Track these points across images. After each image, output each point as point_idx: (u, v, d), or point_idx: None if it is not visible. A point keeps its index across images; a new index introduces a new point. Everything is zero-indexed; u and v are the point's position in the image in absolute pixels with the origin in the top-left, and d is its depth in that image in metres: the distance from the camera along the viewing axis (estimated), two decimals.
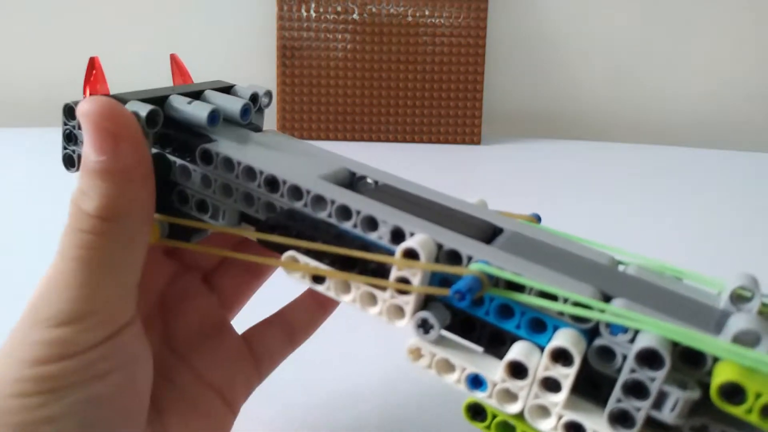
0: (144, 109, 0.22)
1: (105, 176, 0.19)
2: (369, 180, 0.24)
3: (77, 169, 0.26)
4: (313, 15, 0.76)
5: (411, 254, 0.19)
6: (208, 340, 0.27)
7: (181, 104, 0.23)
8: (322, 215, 0.21)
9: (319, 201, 0.21)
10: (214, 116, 0.23)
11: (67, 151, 0.26)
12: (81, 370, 0.19)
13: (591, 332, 0.18)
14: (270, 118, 0.81)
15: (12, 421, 0.18)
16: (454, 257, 0.20)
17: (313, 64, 0.76)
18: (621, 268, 0.21)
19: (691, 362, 0.17)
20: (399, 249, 0.19)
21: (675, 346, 0.17)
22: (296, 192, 0.22)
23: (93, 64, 0.25)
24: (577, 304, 0.18)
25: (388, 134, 0.78)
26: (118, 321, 0.20)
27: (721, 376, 0.15)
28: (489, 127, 0.84)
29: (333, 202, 0.21)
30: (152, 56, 0.82)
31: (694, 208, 0.65)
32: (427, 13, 0.76)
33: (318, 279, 0.21)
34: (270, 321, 0.31)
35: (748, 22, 0.84)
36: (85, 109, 0.19)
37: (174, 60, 0.29)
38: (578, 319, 0.18)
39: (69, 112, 0.24)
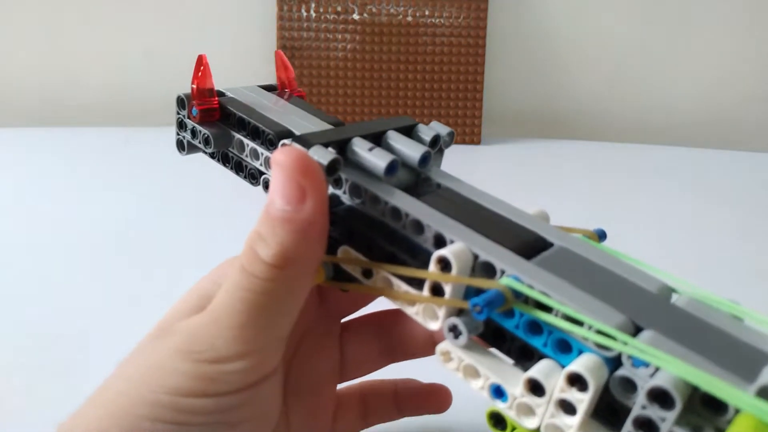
0: (326, 158, 0.22)
1: (287, 226, 0.19)
2: (433, 180, 0.24)
3: (187, 153, 0.27)
4: (313, 15, 0.76)
5: (445, 263, 0.19)
6: (312, 396, 0.27)
7: (362, 149, 0.23)
8: (377, 213, 0.22)
9: (375, 201, 0.22)
10: (393, 167, 0.23)
11: (179, 136, 0.27)
12: (217, 412, 0.19)
13: (615, 361, 0.18)
14: None
15: None
16: (488, 269, 0.20)
17: (313, 64, 0.76)
18: (674, 297, 0.20)
19: (712, 407, 0.16)
20: (434, 257, 0.20)
21: (696, 388, 0.16)
22: (357, 190, 0.23)
23: (201, 61, 0.26)
24: (601, 332, 0.17)
25: None
26: (265, 369, 0.20)
27: (737, 428, 0.15)
28: (489, 127, 0.84)
29: (386, 203, 0.22)
30: (152, 56, 0.82)
31: (693, 208, 0.65)
32: (427, 13, 0.76)
33: (366, 273, 0.22)
34: (383, 388, 0.30)
35: (748, 22, 0.84)
36: (280, 159, 0.20)
37: (279, 56, 0.29)
38: (602, 347, 0.18)
39: (180, 102, 0.26)
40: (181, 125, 0.26)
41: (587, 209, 0.62)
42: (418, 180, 0.24)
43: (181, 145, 0.27)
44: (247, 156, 0.25)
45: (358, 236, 0.22)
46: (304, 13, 0.75)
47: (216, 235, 0.57)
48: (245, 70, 0.83)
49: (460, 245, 0.20)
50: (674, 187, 0.70)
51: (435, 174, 0.24)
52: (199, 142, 0.25)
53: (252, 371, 0.20)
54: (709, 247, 0.57)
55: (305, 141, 0.22)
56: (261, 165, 0.25)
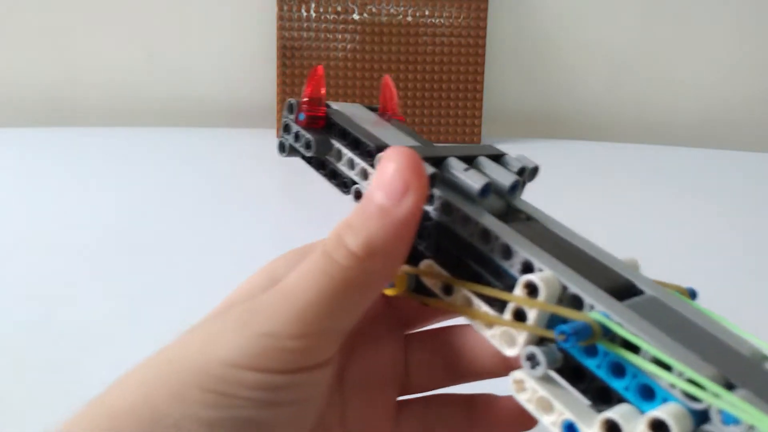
0: (426, 170, 0.22)
1: (381, 219, 0.20)
2: (522, 214, 0.24)
3: (287, 155, 0.27)
4: (313, 15, 0.76)
5: (532, 288, 0.19)
6: (370, 395, 0.26)
7: (458, 170, 0.23)
8: (465, 233, 0.22)
9: (466, 220, 0.22)
10: (486, 190, 0.23)
11: (282, 138, 0.27)
12: (265, 389, 0.19)
13: (702, 414, 0.17)
14: (270, 117, 0.82)
15: (185, 413, 0.18)
16: (576, 302, 0.19)
17: (313, 65, 0.76)
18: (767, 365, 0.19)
19: None
20: (521, 280, 0.19)
21: None
22: (448, 208, 0.23)
23: (316, 72, 0.27)
24: (692, 381, 0.16)
25: None
26: (321, 355, 0.20)
27: None
28: (489, 127, 0.84)
29: (477, 223, 0.22)
30: (154, 56, 0.82)
31: (693, 208, 0.65)
32: (427, 13, 0.76)
33: (447, 289, 0.22)
34: (449, 400, 0.28)
35: (748, 22, 0.84)
36: (391, 153, 0.20)
37: (386, 81, 0.30)
38: (690, 397, 0.17)
39: (290, 107, 0.27)
40: (286, 128, 0.27)
41: (587, 209, 0.62)
42: (508, 208, 0.24)
43: (282, 147, 0.28)
44: (343, 165, 0.26)
45: (444, 252, 0.23)
46: (304, 13, 0.75)
47: (216, 234, 0.57)
48: (245, 69, 0.83)
49: (549, 273, 0.20)
50: (674, 187, 0.70)
51: (522, 205, 0.25)
52: (301, 146, 0.26)
53: (308, 354, 0.20)
54: (708, 247, 0.57)
55: None
56: (355, 175, 0.25)
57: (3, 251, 0.52)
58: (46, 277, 0.49)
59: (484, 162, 0.25)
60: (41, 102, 0.83)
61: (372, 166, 0.24)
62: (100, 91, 0.83)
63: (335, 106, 0.28)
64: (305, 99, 0.27)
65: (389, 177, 0.20)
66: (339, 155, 0.26)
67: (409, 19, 0.76)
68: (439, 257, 0.23)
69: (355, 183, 0.26)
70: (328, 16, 0.76)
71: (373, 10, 0.76)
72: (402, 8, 0.76)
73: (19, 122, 0.82)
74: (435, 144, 0.26)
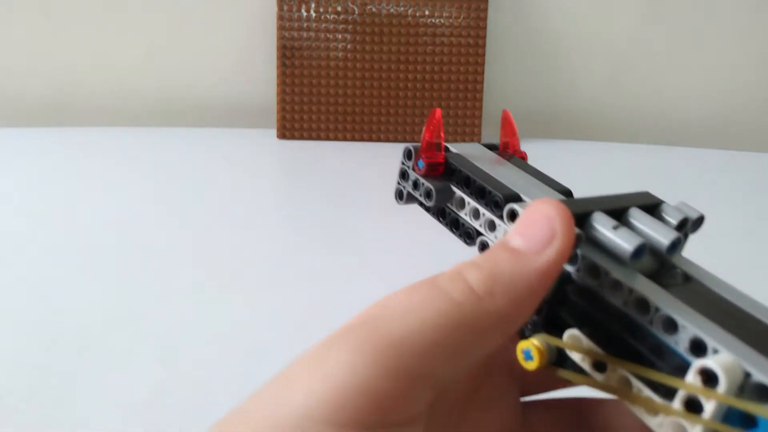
0: None
1: (513, 261, 0.18)
2: (678, 271, 0.21)
3: (404, 202, 0.26)
4: (313, 15, 0.76)
5: (709, 376, 0.17)
6: None
7: (605, 227, 0.20)
8: (617, 301, 0.20)
9: (617, 287, 0.20)
10: (640, 252, 0.20)
11: (399, 186, 0.26)
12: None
13: None
14: (270, 117, 0.82)
15: None
16: (763, 392, 0.17)
17: (313, 64, 0.76)
18: None
19: None
20: (696, 366, 0.17)
21: None
22: (594, 271, 0.20)
23: (434, 115, 0.25)
24: None
25: (388, 134, 0.78)
26: (413, 406, 0.16)
27: None
28: (489, 127, 0.84)
29: (631, 291, 0.19)
30: (153, 56, 0.82)
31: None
32: (427, 13, 0.76)
33: (598, 365, 0.19)
34: None
35: (748, 22, 0.84)
36: (540, 203, 0.18)
37: (506, 117, 0.28)
38: None
39: (407, 153, 0.25)
40: (403, 175, 0.26)
41: None
42: (662, 267, 0.21)
43: (399, 195, 0.26)
44: (466, 215, 0.24)
45: (591, 321, 0.20)
46: (304, 13, 0.75)
47: (216, 234, 0.57)
48: (245, 69, 0.83)
49: (729, 358, 0.17)
50: (674, 188, 0.70)
51: (679, 261, 0.22)
52: (420, 195, 0.25)
53: (397, 401, 0.16)
54: (708, 247, 0.57)
55: None
56: (481, 226, 0.23)
57: (3, 251, 0.52)
58: (45, 277, 0.49)
59: (637, 215, 0.22)
60: (41, 102, 0.83)
61: (500, 217, 0.22)
62: (100, 91, 0.83)
63: (453, 148, 0.26)
64: (424, 145, 0.25)
65: (534, 223, 0.18)
66: (462, 203, 0.24)
67: (409, 19, 0.76)
68: (586, 327, 0.20)
69: (480, 234, 0.23)
70: (328, 16, 0.76)
71: (373, 9, 0.76)
72: (402, 8, 0.76)
73: (19, 122, 0.82)
74: (571, 191, 0.24)
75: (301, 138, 0.78)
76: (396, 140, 0.78)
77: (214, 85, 0.83)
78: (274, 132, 0.78)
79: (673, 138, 0.88)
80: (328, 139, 0.78)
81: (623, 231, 0.20)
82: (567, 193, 0.24)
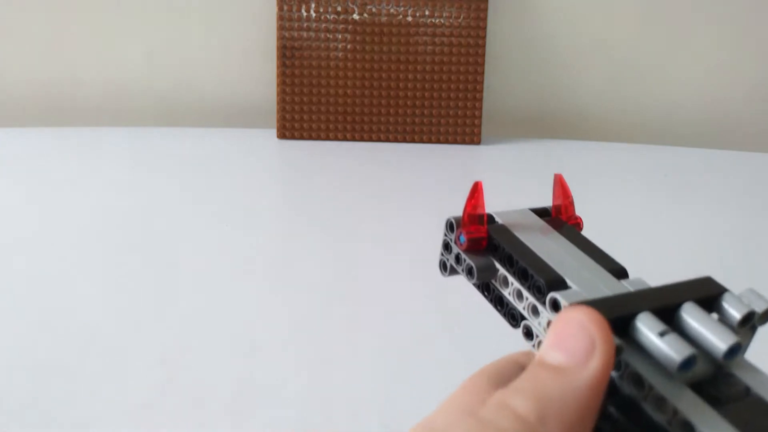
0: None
1: (559, 380, 0.16)
2: (736, 380, 0.19)
3: (448, 274, 0.25)
4: (313, 15, 0.76)
5: None
6: None
7: (651, 332, 0.18)
8: (661, 419, 0.18)
9: (661, 403, 0.18)
10: (689, 364, 0.18)
11: (443, 258, 0.25)
12: None
13: None
14: (270, 117, 0.82)
15: None
16: None
17: (313, 64, 0.76)
18: None
19: None
20: None
21: None
22: (639, 382, 0.18)
23: (476, 188, 0.24)
24: None
25: (388, 134, 0.78)
26: None
27: None
28: (489, 127, 0.84)
29: (676, 412, 0.17)
30: (153, 56, 0.82)
31: (693, 208, 0.65)
32: (427, 13, 0.76)
33: None
34: None
35: (748, 22, 0.84)
36: (571, 312, 0.17)
37: (559, 180, 0.26)
38: None
39: (450, 226, 0.24)
40: (446, 247, 0.25)
41: (587, 209, 0.62)
42: (718, 373, 0.19)
43: (443, 267, 0.25)
44: (510, 294, 0.23)
45: None
46: (304, 13, 0.75)
47: (216, 234, 0.57)
48: (245, 69, 0.83)
49: None
50: (674, 187, 0.70)
51: (739, 367, 0.19)
52: (462, 270, 0.24)
53: None
54: (708, 247, 0.57)
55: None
56: (524, 309, 0.22)
57: (3, 251, 0.52)
58: (45, 276, 0.49)
59: (691, 313, 0.19)
60: (41, 102, 0.83)
61: (543, 303, 0.21)
62: (100, 91, 0.83)
63: (499, 217, 0.25)
64: (465, 218, 0.24)
65: (571, 335, 0.17)
66: (506, 282, 0.23)
67: (409, 19, 0.76)
68: None
69: (524, 318, 0.22)
70: (328, 16, 0.76)
71: (373, 10, 0.76)
72: (402, 8, 0.76)
73: (19, 122, 0.82)
74: (625, 269, 0.22)
75: (301, 138, 0.78)
76: (396, 140, 0.78)
77: (214, 85, 0.83)
78: (274, 132, 0.78)
79: (673, 138, 0.88)
80: (328, 139, 0.78)
81: (671, 337, 0.18)
82: (621, 272, 0.22)
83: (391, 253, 0.54)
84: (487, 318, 0.47)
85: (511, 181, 0.69)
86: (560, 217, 0.26)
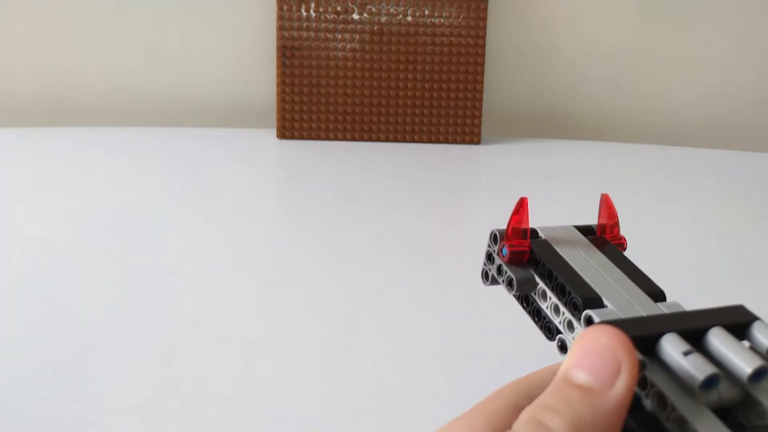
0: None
1: (591, 400, 0.17)
2: (763, 405, 0.19)
3: (490, 284, 0.26)
4: (313, 15, 0.76)
5: None
6: None
7: (675, 351, 0.19)
8: None
9: (682, 424, 0.18)
10: (710, 383, 0.18)
11: (485, 267, 0.26)
12: None
13: None
14: (270, 117, 0.82)
15: None
16: None
17: (313, 64, 0.76)
18: None
19: None
20: None
21: None
22: (662, 401, 0.19)
23: (522, 203, 0.25)
24: None
25: (388, 134, 0.78)
26: None
27: None
28: (489, 127, 0.84)
29: None
30: (153, 56, 0.82)
31: (694, 208, 0.65)
32: (427, 13, 0.76)
33: None
34: None
35: (748, 23, 0.84)
36: (595, 331, 0.18)
37: (605, 200, 0.27)
38: None
39: (494, 238, 0.25)
40: (489, 258, 0.26)
41: (587, 210, 0.62)
42: (746, 400, 0.19)
43: (485, 276, 0.26)
44: (547, 308, 0.23)
45: None
46: (304, 13, 0.75)
47: (216, 234, 0.57)
48: (245, 69, 0.83)
49: None
50: (674, 187, 0.70)
51: (765, 394, 0.19)
52: (503, 281, 0.25)
53: None
54: (708, 247, 0.57)
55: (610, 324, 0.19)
56: (560, 324, 0.23)
57: (3, 251, 0.52)
58: (44, 276, 0.49)
59: (719, 336, 0.19)
60: (41, 102, 0.83)
61: (578, 319, 0.21)
62: (100, 91, 0.83)
63: (542, 232, 0.25)
64: (509, 231, 0.24)
65: (597, 356, 0.17)
66: (545, 296, 0.23)
67: (409, 19, 0.76)
68: None
69: (560, 332, 0.23)
70: (328, 16, 0.76)
71: (373, 10, 0.76)
72: (402, 8, 0.76)
73: (19, 122, 0.82)
74: (662, 291, 0.22)
75: (301, 138, 0.78)
76: (396, 140, 0.78)
77: (214, 85, 0.83)
78: (274, 132, 0.78)
79: (673, 138, 0.88)
80: (328, 139, 0.78)
81: (695, 357, 0.18)
82: (658, 295, 0.22)
83: (391, 253, 0.54)
84: (487, 321, 0.47)
85: (511, 181, 0.69)
86: (604, 236, 0.26)
